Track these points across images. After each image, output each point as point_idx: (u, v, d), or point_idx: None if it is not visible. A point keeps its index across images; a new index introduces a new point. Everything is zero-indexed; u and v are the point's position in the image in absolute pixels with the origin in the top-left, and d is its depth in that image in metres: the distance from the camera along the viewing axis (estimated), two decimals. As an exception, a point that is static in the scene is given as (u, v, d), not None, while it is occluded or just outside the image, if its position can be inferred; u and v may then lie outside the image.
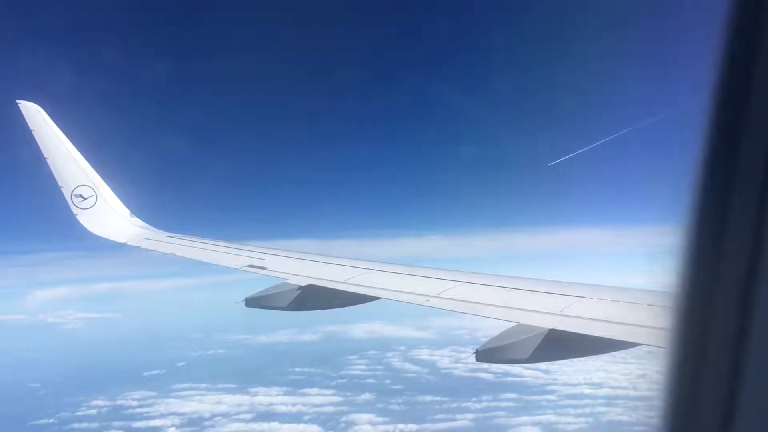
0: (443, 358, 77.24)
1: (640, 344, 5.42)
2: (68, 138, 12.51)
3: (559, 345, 6.09)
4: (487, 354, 6.42)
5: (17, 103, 12.34)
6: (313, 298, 8.55)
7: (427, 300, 7.58)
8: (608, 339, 5.70)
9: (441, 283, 7.98)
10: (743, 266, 1.77)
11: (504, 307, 6.92)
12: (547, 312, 6.47)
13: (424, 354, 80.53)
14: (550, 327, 6.12)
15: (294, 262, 9.95)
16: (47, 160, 12.24)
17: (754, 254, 1.75)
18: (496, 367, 64.77)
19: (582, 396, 62.01)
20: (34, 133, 12.19)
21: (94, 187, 12.46)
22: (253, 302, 8.64)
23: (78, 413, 63.08)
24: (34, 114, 12.33)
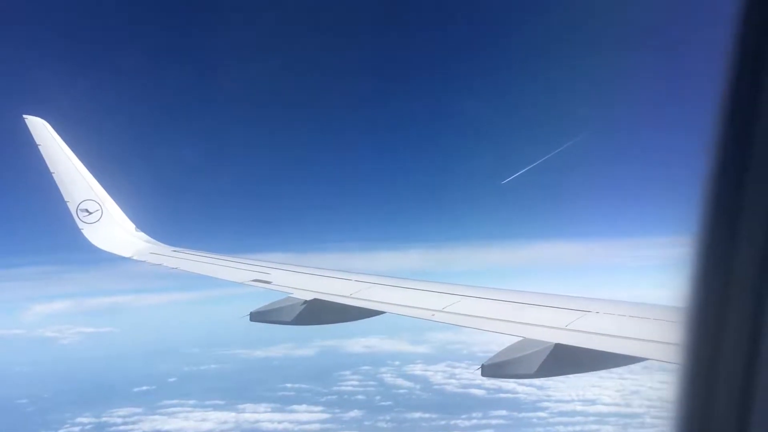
0: (437, 374, 76.72)
1: (647, 359, 5.53)
2: (74, 153, 12.60)
3: (566, 360, 6.13)
4: (493, 369, 6.45)
5: (24, 118, 12.43)
6: (319, 312, 8.59)
7: (433, 314, 7.61)
8: (615, 354, 5.75)
9: (446, 298, 8.00)
10: (754, 277, 1.76)
11: (509, 321, 6.94)
12: (553, 326, 6.51)
13: (417, 369, 79.99)
14: (557, 341, 6.16)
15: (298, 276, 10.01)
16: (53, 174, 12.30)
17: (765, 262, 1.74)
18: (489, 383, 64.44)
19: (574, 413, 61.61)
20: (40, 147, 12.26)
21: (99, 202, 12.52)
22: (258, 317, 8.69)
23: (61, 431, 62.13)
24: (41, 129, 12.41)
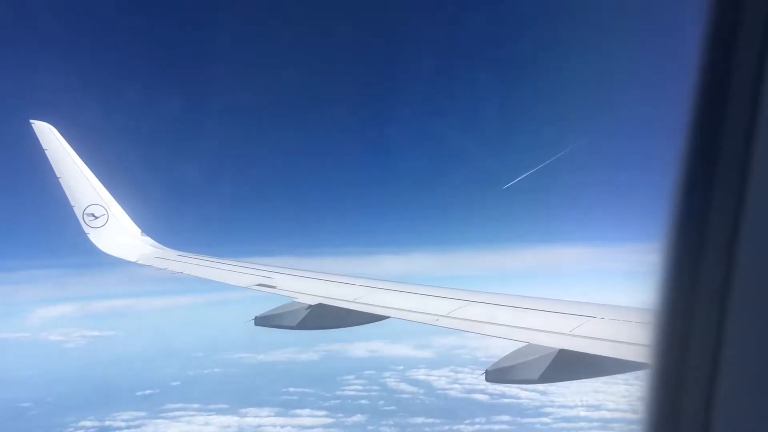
0: (440, 379, 76.47)
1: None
2: (80, 157, 12.70)
3: (570, 365, 6.13)
4: (496, 374, 6.48)
5: (31, 123, 12.53)
6: (323, 317, 8.60)
7: (437, 320, 7.62)
8: (620, 359, 5.74)
9: (450, 303, 8.02)
10: (718, 280, 1.78)
11: (513, 326, 6.95)
12: (557, 332, 6.51)
13: (421, 374, 79.82)
14: (560, 347, 6.17)
15: (302, 281, 10.03)
16: (60, 179, 12.38)
17: (729, 268, 1.76)
18: (492, 388, 64.34)
19: (577, 419, 61.40)
20: (47, 152, 12.35)
21: (105, 206, 12.60)
22: (262, 321, 8.71)
23: (63, 435, 62.21)
24: (47, 134, 12.50)
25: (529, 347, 6.41)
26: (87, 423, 64.90)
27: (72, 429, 63.48)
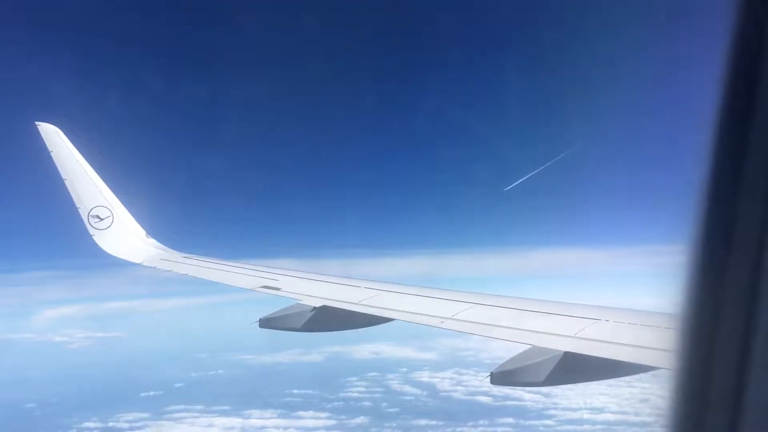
0: (444, 381, 76.49)
1: (658, 368, 5.52)
2: (86, 159, 12.73)
3: (575, 368, 6.12)
4: (501, 377, 6.46)
5: (36, 125, 12.57)
6: (327, 319, 8.60)
7: (442, 322, 7.61)
8: (625, 362, 5.73)
9: (455, 305, 8.01)
10: (746, 283, 1.77)
11: (518, 329, 6.94)
12: (562, 334, 6.51)
13: (425, 376, 79.75)
14: (566, 350, 6.16)
15: (307, 283, 10.03)
16: (65, 180, 12.42)
17: (757, 270, 1.75)
18: (496, 390, 64.22)
19: (581, 421, 61.25)
20: (52, 154, 12.39)
21: (110, 208, 12.62)
22: (267, 323, 8.72)
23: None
24: (53, 136, 12.54)
25: (534, 350, 6.39)
26: (90, 424, 65.12)
27: (75, 430, 63.69)
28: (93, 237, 12.44)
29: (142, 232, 13.10)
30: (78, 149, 12.73)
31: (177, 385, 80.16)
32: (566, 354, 6.16)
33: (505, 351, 6.69)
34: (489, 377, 6.56)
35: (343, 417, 65.56)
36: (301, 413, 66.68)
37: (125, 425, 65.00)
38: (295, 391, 74.27)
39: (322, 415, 66.38)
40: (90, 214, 12.47)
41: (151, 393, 76.42)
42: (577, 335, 6.44)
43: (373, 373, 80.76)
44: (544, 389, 54.59)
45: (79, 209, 12.46)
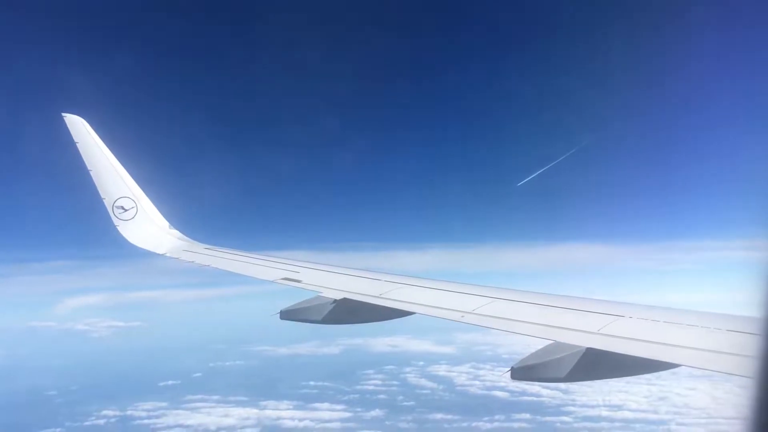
0: (461, 375, 76.43)
1: (680, 365, 5.48)
2: (111, 150, 12.87)
3: (597, 364, 6.07)
4: (522, 371, 6.42)
5: (62, 116, 12.73)
6: (348, 312, 8.60)
7: (462, 316, 7.55)
8: (647, 359, 5.70)
9: (475, 299, 7.96)
10: None
11: (540, 324, 6.87)
12: (585, 330, 6.45)
13: (442, 370, 79.70)
14: (588, 346, 6.11)
15: (328, 276, 10.05)
16: (90, 171, 12.55)
17: None
18: (513, 385, 63.98)
19: (599, 419, 60.85)
20: (78, 145, 12.53)
21: (134, 199, 12.77)
22: (287, 315, 8.76)
23: (86, 423, 63.45)
24: (79, 127, 12.69)
25: (556, 345, 6.34)
26: (109, 412, 66.22)
27: (95, 418, 64.81)
28: (117, 227, 12.59)
29: (165, 223, 13.23)
30: (103, 140, 12.88)
31: (195, 374, 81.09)
32: (588, 350, 6.12)
33: (522, 346, 6.68)
34: (509, 372, 6.51)
35: (359, 409, 65.86)
36: (316, 405, 67.12)
37: (143, 413, 66.00)
38: (312, 383, 74.74)
39: (338, 407, 66.77)
40: (114, 204, 12.62)
41: (170, 382, 77.43)
42: (599, 331, 6.39)
43: (390, 366, 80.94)
44: (563, 385, 54.26)
45: (104, 200, 12.61)
